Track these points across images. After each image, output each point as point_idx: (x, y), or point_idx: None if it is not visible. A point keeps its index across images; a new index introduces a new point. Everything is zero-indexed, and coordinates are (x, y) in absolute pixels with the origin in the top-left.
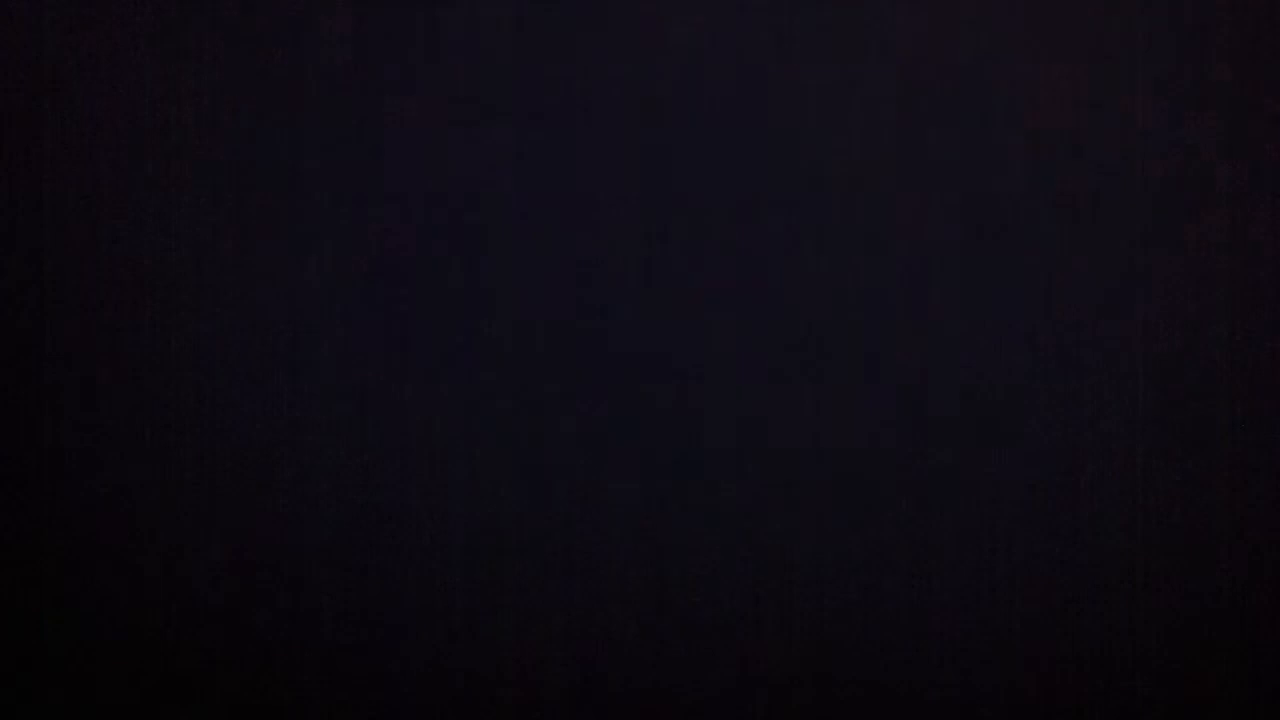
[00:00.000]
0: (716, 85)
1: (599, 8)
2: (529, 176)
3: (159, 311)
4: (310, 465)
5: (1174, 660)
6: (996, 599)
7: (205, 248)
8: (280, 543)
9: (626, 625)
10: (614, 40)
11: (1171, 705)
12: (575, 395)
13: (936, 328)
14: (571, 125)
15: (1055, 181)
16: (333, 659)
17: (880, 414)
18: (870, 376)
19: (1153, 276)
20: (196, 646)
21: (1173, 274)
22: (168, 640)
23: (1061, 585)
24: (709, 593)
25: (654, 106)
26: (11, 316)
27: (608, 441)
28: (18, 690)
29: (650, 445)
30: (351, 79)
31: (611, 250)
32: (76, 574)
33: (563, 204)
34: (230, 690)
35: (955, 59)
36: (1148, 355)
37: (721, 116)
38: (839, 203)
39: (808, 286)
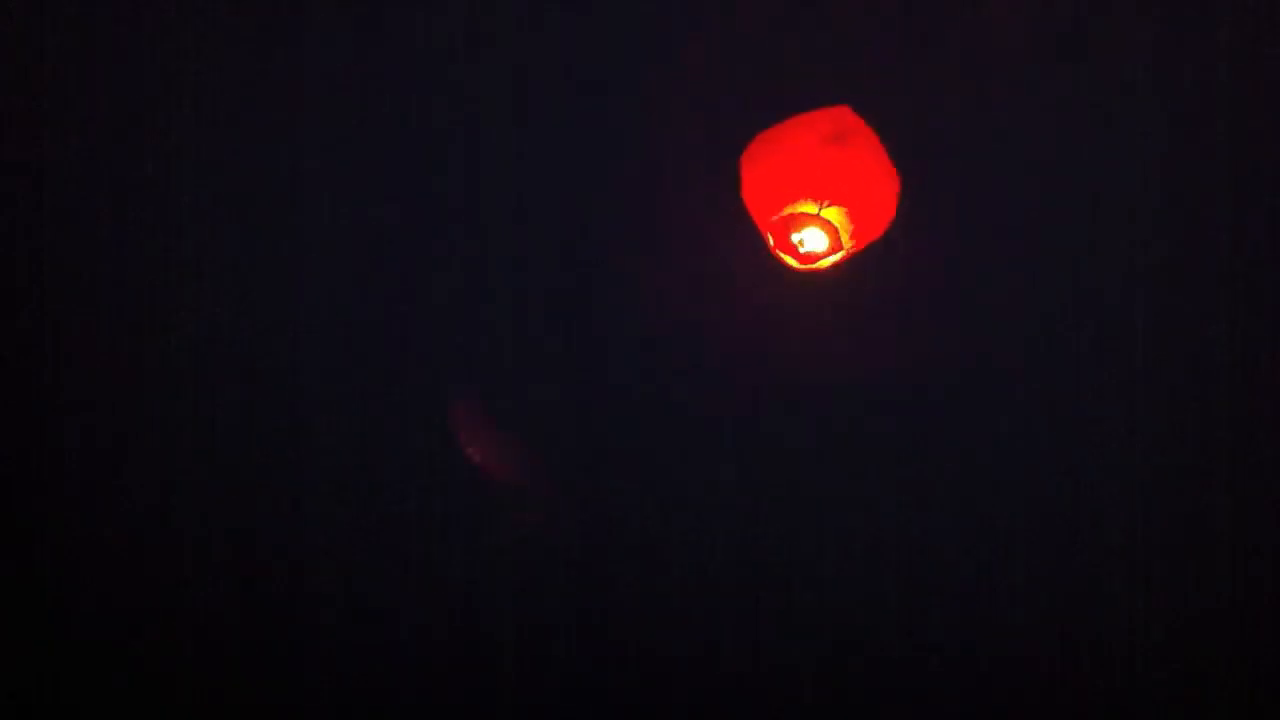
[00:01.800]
0: (717, 86)
1: (598, 10)
2: (529, 176)
3: (159, 311)
4: (310, 465)
5: (1174, 660)
6: (996, 599)
7: (205, 248)
8: (280, 543)
9: (627, 624)
10: (614, 41)
11: (1172, 705)
12: (575, 394)
13: (936, 327)
14: (572, 125)
15: (1055, 182)
16: (332, 659)
17: (879, 415)
18: (870, 377)
19: (1153, 276)
20: (196, 646)
21: (1173, 274)
22: (168, 640)
23: (1061, 585)
24: (709, 592)
25: (653, 109)
26: (11, 316)
27: (608, 441)
28: (18, 690)
29: (650, 445)
30: (351, 79)
31: (611, 249)
32: (76, 574)
33: (562, 203)
34: (230, 690)
35: (955, 59)
36: (1148, 355)
37: (721, 117)
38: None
39: (806, 283)
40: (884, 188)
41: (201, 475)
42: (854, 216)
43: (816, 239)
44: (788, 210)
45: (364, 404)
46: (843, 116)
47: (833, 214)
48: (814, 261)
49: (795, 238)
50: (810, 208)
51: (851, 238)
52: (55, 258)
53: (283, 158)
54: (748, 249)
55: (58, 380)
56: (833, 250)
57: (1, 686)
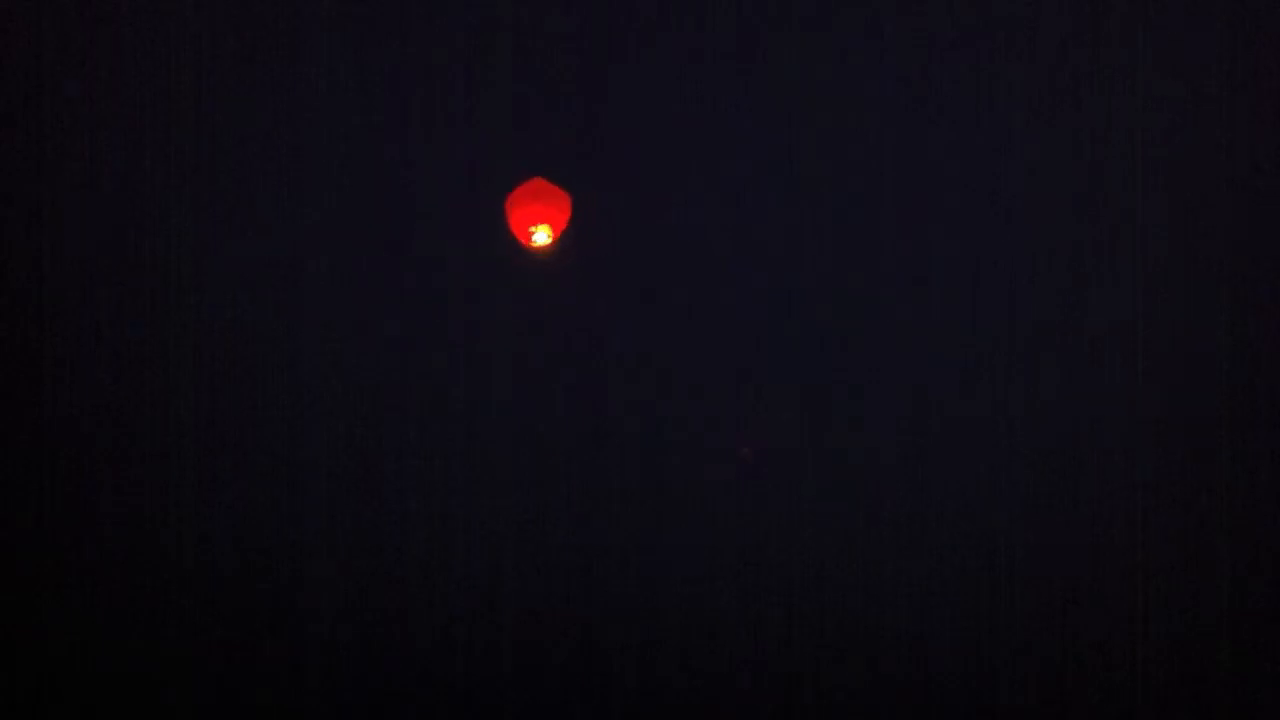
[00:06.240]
0: (719, 87)
1: (600, 13)
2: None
3: (159, 311)
4: (310, 465)
5: (1174, 660)
6: (996, 599)
7: (205, 248)
8: (280, 542)
9: (625, 623)
10: (615, 43)
11: (1172, 705)
12: (576, 397)
13: (936, 328)
14: (571, 127)
15: (1055, 184)
16: (331, 658)
17: (880, 416)
18: (870, 378)
19: (1153, 278)
20: (196, 645)
21: (1173, 273)
22: (167, 640)
23: (1062, 586)
24: (708, 593)
25: (656, 110)
26: (12, 316)
27: (609, 443)
28: (18, 690)
29: (650, 446)
30: (351, 80)
31: (611, 251)
32: (76, 573)
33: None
34: (230, 688)
35: (958, 61)
36: (1148, 354)
37: (724, 119)
38: (840, 203)
39: (809, 287)
40: (562, 207)
41: (202, 475)
42: (554, 227)
43: (542, 237)
44: (531, 228)
45: (364, 404)
46: (539, 182)
47: (544, 229)
48: (542, 247)
49: (533, 238)
50: (538, 228)
51: (554, 235)
52: (55, 258)
53: (283, 158)
54: (514, 243)
55: (58, 380)
56: (548, 242)
57: (1, 686)
